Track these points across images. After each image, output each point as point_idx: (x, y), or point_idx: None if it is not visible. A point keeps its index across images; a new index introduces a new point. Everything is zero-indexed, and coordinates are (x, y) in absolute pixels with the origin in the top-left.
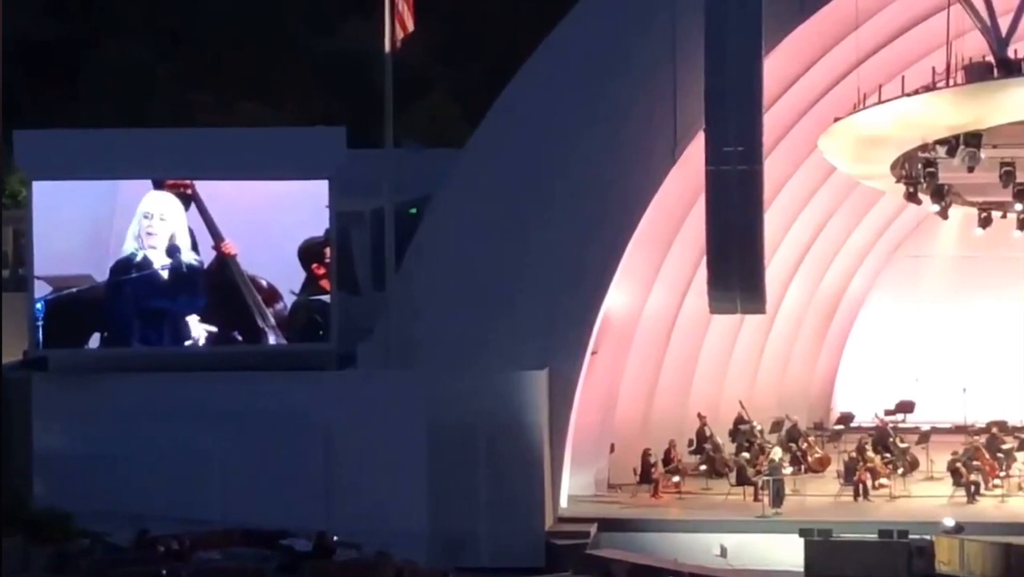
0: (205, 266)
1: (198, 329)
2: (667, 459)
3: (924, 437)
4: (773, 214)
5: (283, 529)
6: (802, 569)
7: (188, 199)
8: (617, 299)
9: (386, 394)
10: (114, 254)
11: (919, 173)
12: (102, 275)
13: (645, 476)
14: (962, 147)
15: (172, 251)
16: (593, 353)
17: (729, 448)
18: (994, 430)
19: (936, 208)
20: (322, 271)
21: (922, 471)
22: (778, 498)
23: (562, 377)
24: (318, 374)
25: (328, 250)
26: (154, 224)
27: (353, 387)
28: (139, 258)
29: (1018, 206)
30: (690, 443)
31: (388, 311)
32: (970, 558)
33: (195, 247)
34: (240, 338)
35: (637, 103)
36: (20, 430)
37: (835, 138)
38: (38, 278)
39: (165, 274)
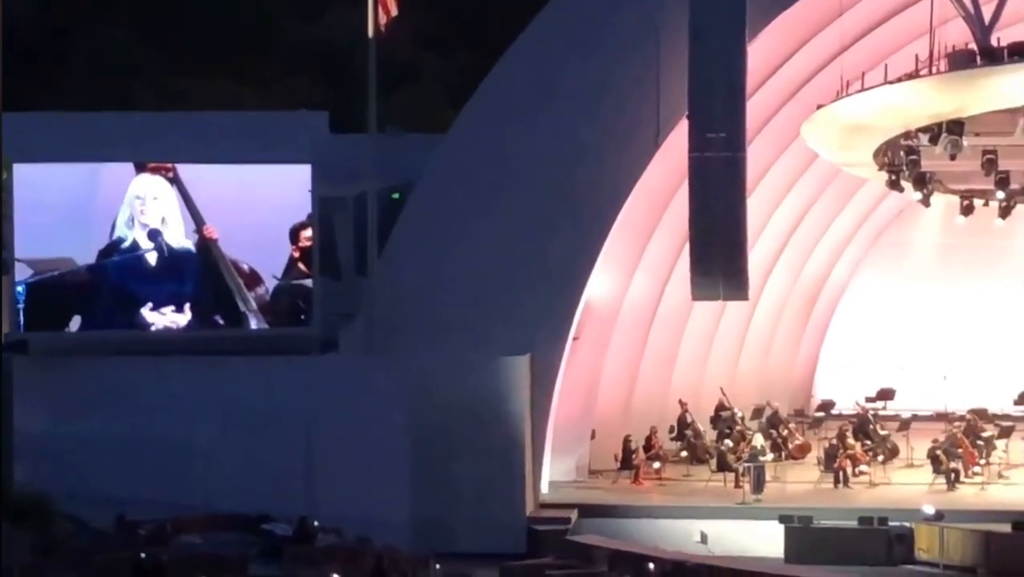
0: (190, 249)
1: (154, 317)
2: (648, 445)
3: (904, 424)
4: (756, 201)
5: (264, 514)
6: (782, 556)
7: (170, 182)
8: (599, 285)
9: (368, 379)
10: (96, 237)
11: (901, 161)
12: (84, 258)
13: (626, 462)
14: (944, 135)
15: (154, 235)
16: (575, 339)
17: (710, 435)
18: (974, 417)
19: (918, 196)
20: (298, 253)
21: (902, 458)
22: (759, 485)
23: (544, 363)
24: (300, 359)
25: (305, 232)
26: (147, 205)
27: (335, 372)
28: (128, 241)
29: (1000, 194)
30: (671, 429)
31: (371, 296)
32: (950, 545)
33: (178, 230)
34: (222, 322)
35: (621, 90)
36: (1, 413)
37: (818, 125)
38: (19, 260)
39: (151, 258)
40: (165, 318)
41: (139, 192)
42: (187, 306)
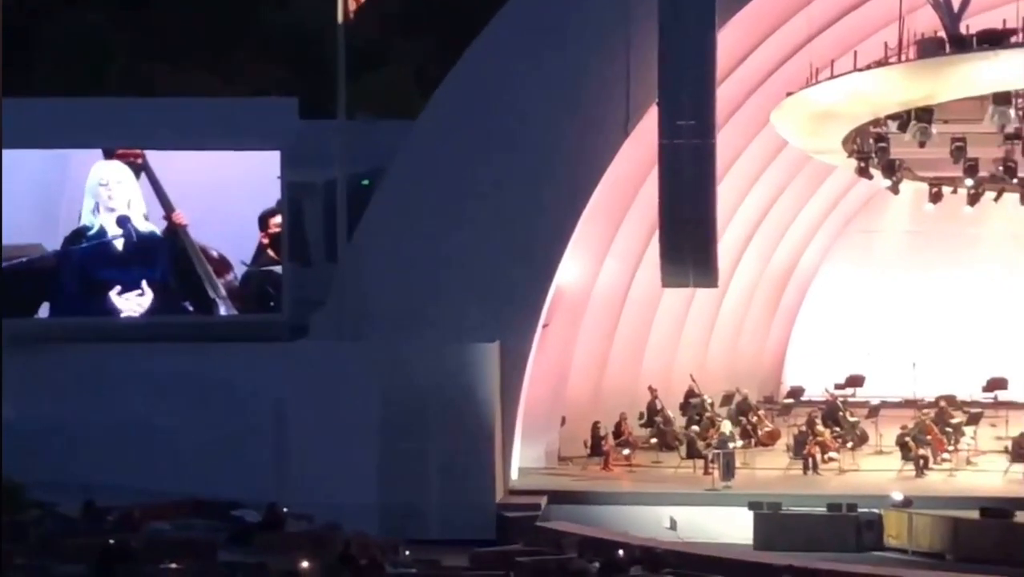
0: (156, 236)
1: (121, 303)
2: (618, 432)
3: (874, 411)
4: (725, 188)
5: (233, 500)
6: (751, 542)
7: (139, 168)
8: (569, 272)
9: (338, 365)
10: (64, 223)
11: (871, 148)
12: (52, 244)
13: (595, 448)
14: (913, 122)
15: (123, 221)
16: (544, 326)
17: (680, 421)
18: (943, 404)
19: (887, 183)
20: (267, 240)
21: (871, 445)
22: (728, 471)
23: (513, 350)
24: (269, 345)
25: (275, 218)
26: (112, 190)
27: (305, 358)
28: (95, 228)
29: (968, 181)
30: (641, 416)
31: (340, 282)
32: (918, 532)
33: (146, 217)
34: (191, 308)
35: (590, 76)
36: None
37: (787, 112)
38: None
39: (118, 244)
40: (131, 303)
41: (102, 179)
42: (146, 287)
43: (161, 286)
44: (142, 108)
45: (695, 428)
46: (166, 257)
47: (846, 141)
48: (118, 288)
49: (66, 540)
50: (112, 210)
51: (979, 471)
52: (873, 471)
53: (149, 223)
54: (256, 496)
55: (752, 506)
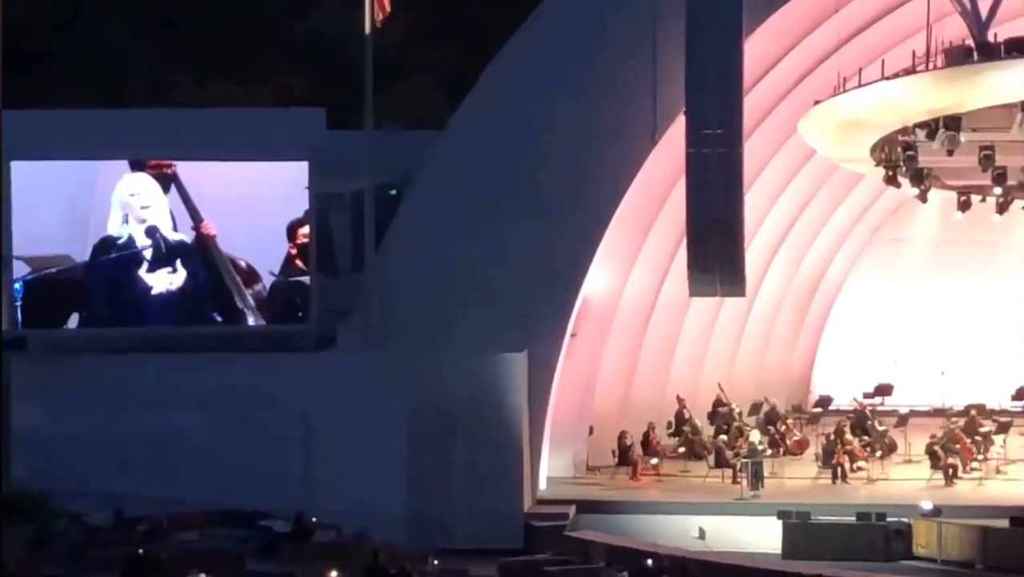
0: (186, 246)
1: (152, 279)
2: (646, 441)
3: (902, 420)
4: (753, 197)
5: (262, 510)
6: (780, 551)
7: (168, 180)
8: (597, 282)
9: (365, 376)
10: (93, 235)
11: (899, 156)
12: (81, 255)
13: (623, 458)
14: (942, 130)
15: (151, 231)
16: (572, 335)
17: (708, 431)
18: (972, 413)
19: (915, 191)
20: (295, 250)
21: (900, 454)
22: (756, 481)
23: (541, 359)
24: (297, 355)
25: (303, 229)
26: (142, 201)
27: (332, 369)
28: (124, 239)
29: (997, 190)
30: (669, 425)
31: (368, 293)
32: (948, 541)
33: (175, 228)
34: (219, 319)
35: (617, 85)
36: None
37: (815, 121)
38: (16, 258)
39: (147, 254)
40: (162, 280)
41: (131, 190)
42: (180, 265)
43: (188, 295)
44: (170, 119)
45: (723, 437)
46: (194, 268)
47: (874, 149)
48: (146, 265)
49: (93, 550)
50: (142, 221)
51: (1009, 480)
52: (902, 480)
53: (178, 233)
54: (284, 506)
55: (781, 515)
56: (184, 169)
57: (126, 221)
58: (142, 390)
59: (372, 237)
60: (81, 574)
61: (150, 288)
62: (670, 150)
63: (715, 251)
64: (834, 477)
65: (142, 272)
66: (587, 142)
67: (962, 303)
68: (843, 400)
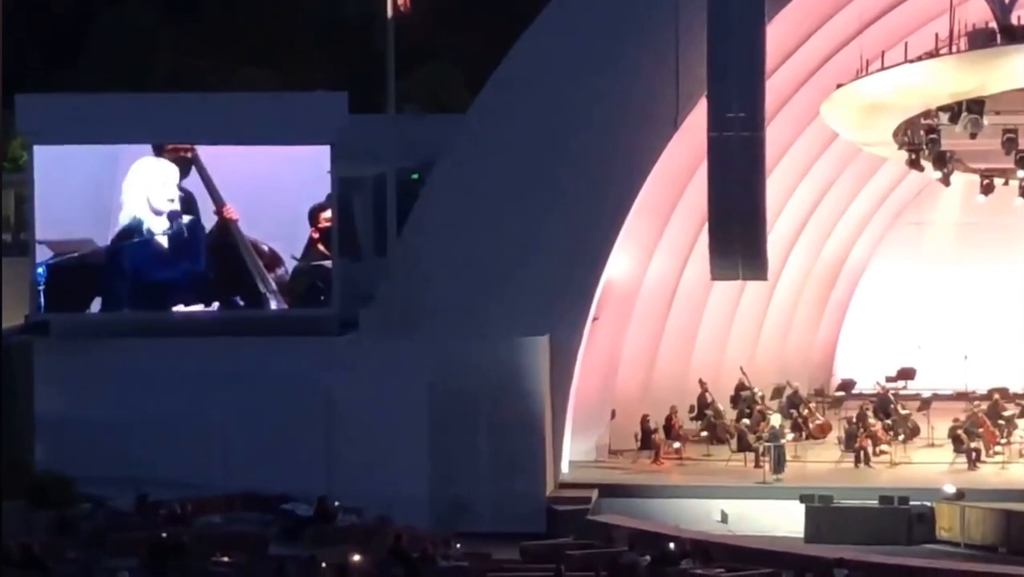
0: (207, 231)
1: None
2: (668, 425)
3: (925, 404)
4: (775, 181)
5: (284, 494)
6: (802, 535)
7: (189, 163)
8: (619, 266)
9: (387, 359)
10: (115, 219)
11: (921, 140)
12: (103, 240)
13: (646, 442)
14: (965, 114)
15: (173, 216)
16: (594, 319)
17: (730, 414)
18: (996, 397)
19: (938, 175)
20: (317, 234)
21: (923, 438)
22: (779, 464)
23: (563, 343)
24: (319, 339)
25: (325, 213)
26: (165, 187)
27: (354, 352)
28: (146, 224)
29: (1020, 173)
30: (691, 409)
31: (390, 277)
32: (971, 524)
33: (196, 212)
34: (242, 303)
35: (639, 70)
36: (22, 394)
37: (837, 105)
38: (40, 242)
39: (166, 240)
40: (184, 264)
41: (150, 175)
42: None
43: (210, 281)
44: (192, 104)
45: (746, 421)
46: (215, 252)
47: (897, 133)
48: (168, 249)
49: (117, 534)
50: (163, 207)
51: None
52: (925, 464)
53: (195, 218)
54: (307, 490)
55: (803, 499)
56: (206, 153)
57: (148, 205)
58: (165, 374)
59: (394, 221)
60: (104, 558)
61: (172, 272)
62: (692, 136)
63: (737, 235)
64: (857, 461)
65: (164, 256)
66: (609, 127)
67: (985, 287)
68: (866, 384)
